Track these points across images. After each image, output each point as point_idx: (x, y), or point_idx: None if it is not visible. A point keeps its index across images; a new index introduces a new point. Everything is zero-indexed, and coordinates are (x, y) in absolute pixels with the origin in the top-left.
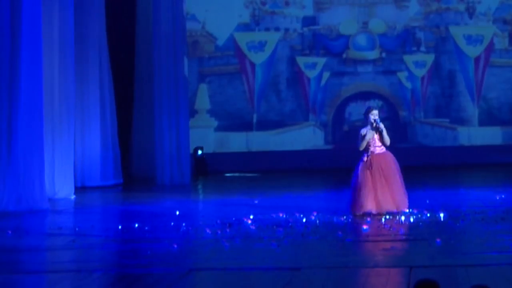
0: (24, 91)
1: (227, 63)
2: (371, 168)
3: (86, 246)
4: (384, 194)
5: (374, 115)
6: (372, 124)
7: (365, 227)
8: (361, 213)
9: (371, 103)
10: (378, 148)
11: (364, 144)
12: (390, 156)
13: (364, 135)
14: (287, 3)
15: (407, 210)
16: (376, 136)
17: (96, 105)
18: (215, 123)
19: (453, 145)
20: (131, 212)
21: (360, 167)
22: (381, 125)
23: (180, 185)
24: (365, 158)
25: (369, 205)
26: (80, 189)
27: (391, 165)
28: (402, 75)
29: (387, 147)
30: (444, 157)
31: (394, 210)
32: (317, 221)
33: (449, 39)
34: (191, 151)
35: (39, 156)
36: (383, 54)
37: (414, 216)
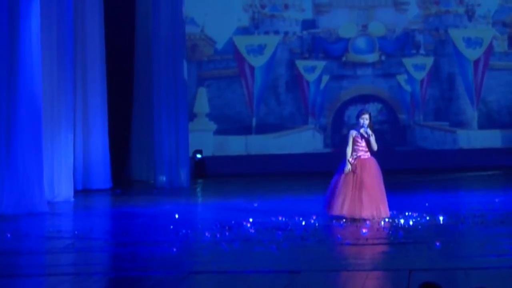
0: (23, 93)
1: (226, 66)
2: (355, 172)
3: (85, 249)
4: (355, 200)
5: (364, 119)
6: (362, 127)
7: (364, 230)
8: (330, 214)
9: (370, 106)
10: (363, 153)
11: (348, 152)
12: (373, 162)
13: (354, 137)
14: (286, 7)
15: (386, 218)
16: (363, 141)
17: (96, 109)
18: (214, 126)
19: (453, 148)
20: (130, 215)
21: (341, 169)
22: (369, 131)
23: (179, 189)
24: (351, 161)
25: (339, 208)
26: (81, 192)
27: (372, 171)
28: (402, 78)
29: (372, 153)
30: (444, 160)
31: (367, 217)
32: (316, 224)
33: (448, 42)
34: (190, 154)
35: (38, 159)
36: (383, 57)
37: (414, 219)
